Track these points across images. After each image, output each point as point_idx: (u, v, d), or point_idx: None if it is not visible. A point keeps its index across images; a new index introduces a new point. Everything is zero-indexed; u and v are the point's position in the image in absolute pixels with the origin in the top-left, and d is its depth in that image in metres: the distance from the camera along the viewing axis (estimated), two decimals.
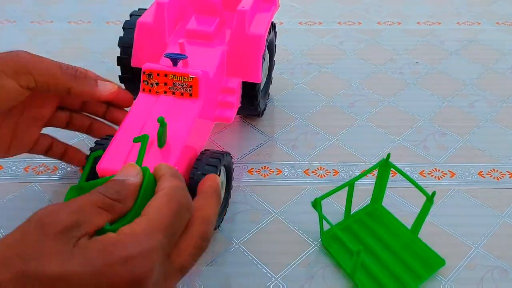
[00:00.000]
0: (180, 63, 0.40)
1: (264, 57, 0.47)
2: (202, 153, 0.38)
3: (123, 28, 0.47)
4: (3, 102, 0.35)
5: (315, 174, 0.47)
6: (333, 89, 0.59)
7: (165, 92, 0.39)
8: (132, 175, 0.28)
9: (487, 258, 0.39)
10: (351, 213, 0.42)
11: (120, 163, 0.33)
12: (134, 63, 0.46)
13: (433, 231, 0.42)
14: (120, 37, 0.47)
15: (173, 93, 0.39)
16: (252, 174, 0.47)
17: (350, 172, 0.48)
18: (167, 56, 0.39)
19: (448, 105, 0.57)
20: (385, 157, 0.40)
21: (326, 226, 0.41)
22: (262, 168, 0.48)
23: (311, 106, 0.56)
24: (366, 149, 0.50)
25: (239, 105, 0.47)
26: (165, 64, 0.40)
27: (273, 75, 0.55)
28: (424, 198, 0.38)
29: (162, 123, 0.34)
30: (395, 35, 0.71)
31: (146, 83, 0.39)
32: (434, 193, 0.37)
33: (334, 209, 0.44)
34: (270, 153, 0.50)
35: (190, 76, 0.38)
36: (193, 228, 0.28)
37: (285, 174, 0.47)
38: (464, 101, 0.57)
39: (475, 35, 0.71)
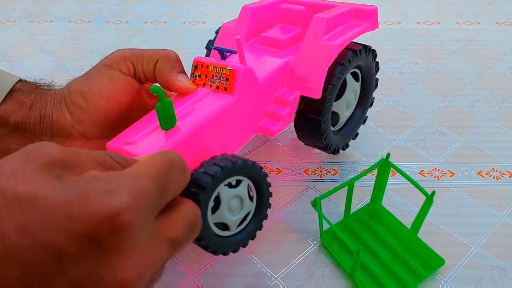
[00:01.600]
0: (229, 57, 0.38)
1: (351, 89, 0.44)
2: (222, 155, 0.34)
3: (216, 32, 0.47)
4: (111, 92, 0.36)
5: (314, 174, 0.47)
6: None
7: (204, 85, 0.37)
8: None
9: (487, 258, 0.39)
10: (350, 213, 0.42)
11: (135, 143, 0.32)
12: None
13: (432, 231, 0.42)
14: (209, 40, 0.48)
15: (210, 85, 0.37)
16: None
17: (350, 172, 0.48)
18: (215, 48, 0.38)
19: (448, 105, 0.57)
20: (384, 157, 0.40)
21: (325, 226, 0.41)
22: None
23: None
24: (366, 148, 0.50)
25: (291, 122, 0.42)
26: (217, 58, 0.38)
27: None
28: (423, 198, 0.38)
29: (160, 94, 0.31)
30: (395, 35, 0.71)
31: (192, 75, 0.38)
32: (433, 193, 0.37)
33: (334, 208, 0.44)
34: (270, 152, 0.50)
35: (228, 68, 0.36)
36: (184, 205, 0.26)
37: (285, 173, 0.48)
38: (464, 101, 0.57)
39: (475, 35, 0.71)
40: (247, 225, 0.36)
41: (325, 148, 0.44)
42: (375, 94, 0.58)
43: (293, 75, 0.41)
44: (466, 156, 0.49)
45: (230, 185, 0.34)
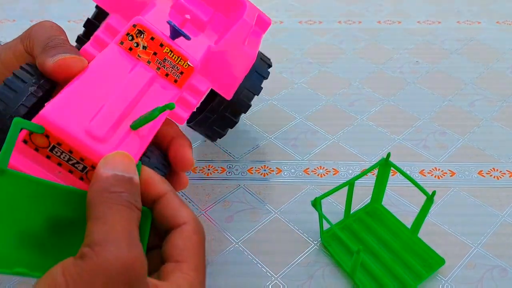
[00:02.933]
0: (178, 40, 0.34)
1: None
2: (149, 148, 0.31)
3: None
4: (12, 63, 0.32)
5: (315, 173, 0.47)
6: (333, 88, 0.59)
7: (149, 62, 0.32)
8: (133, 172, 0.24)
9: (487, 258, 0.39)
10: (351, 213, 0.42)
11: (74, 120, 0.26)
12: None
13: (433, 231, 0.42)
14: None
15: (158, 68, 0.32)
16: (252, 173, 0.47)
17: (350, 171, 0.48)
18: (170, 24, 0.32)
19: (448, 104, 0.57)
20: (385, 156, 0.40)
21: (326, 226, 0.41)
22: (262, 167, 0.48)
23: (311, 105, 0.56)
24: (366, 148, 0.50)
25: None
26: (158, 27, 0.33)
27: (273, 74, 0.55)
28: (424, 197, 0.38)
29: (166, 108, 0.27)
30: (395, 34, 0.71)
31: (130, 38, 0.31)
32: (434, 193, 0.37)
33: (334, 208, 0.44)
34: (270, 152, 0.50)
35: (188, 62, 0.33)
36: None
37: (285, 173, 0.47)
38: (464, 100, 0.57)
39: (475, 34, 0.70)
40: None
41: (215, 139, 0.47)
42: (375, 93, 0.58)
43: (209, 65, 0.38)
44: (467, 156, 0.49)
45: None
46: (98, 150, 0.26)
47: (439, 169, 0.48)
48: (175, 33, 0.32)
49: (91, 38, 0.34)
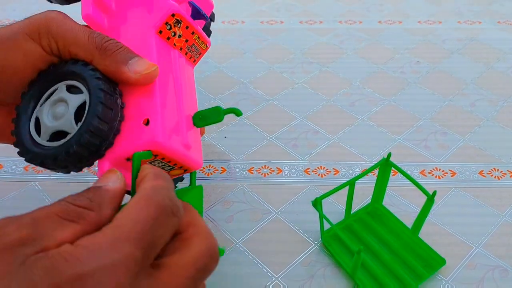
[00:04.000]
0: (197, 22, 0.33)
1: None
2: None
3: None
4: (24, 71, 0.29)
5: (315, 173, 0.47)
6: (334, 88, 0.59)
7: (181, 49, 0.32)
8: (111, 181, 0.24)
9: (488, 258, 0.39)
10: (351, 213, 0.42)
11: (173, 136, 0.27)
12: None
13: (433, 231, 0.42)
14: None
15: (186, 53, 0.33)
16: (253, 173, 0.47)
17: (351, 171, 0.48)
18: (193, 4, 0.32)
19: (449, 104, 0.57)
20: (385, 156, 0.40)
21: (326, 226, 0.41)
22: (262, 167, 0.48)
23: (312, 105, 0.56)
24: (366, 148, 0.50)
25: None
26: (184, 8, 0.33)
27: (274, 74, 0.55)
28: (424, 198, 0.38)
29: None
30: (396, 34, 0.71)
31: (169, 27, 0.30)
32: (434, 193, 0.37)
33: (335, 208, 0.44)
34: (270, 152, 0.50)
35: (207, 44, 0.34)
36: (193, 244, 0.23)
37: (286, 173, 0.47)
38: (465, 100, 0.57)
39: (476, 34, 0.70)
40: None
41: None
42: (375, 93, 0.58)
43: None
44: (467, 156, 0.49)
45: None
46: (190, 156, 0.29)
47: (439, 169, 0.48)
48: (197, 14, 0.32)
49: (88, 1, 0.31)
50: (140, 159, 0.25)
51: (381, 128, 0.53)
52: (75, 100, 0.27)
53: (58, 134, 0.27)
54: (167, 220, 0.22)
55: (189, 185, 0.31)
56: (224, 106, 0.56)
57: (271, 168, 0.48)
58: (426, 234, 0.40)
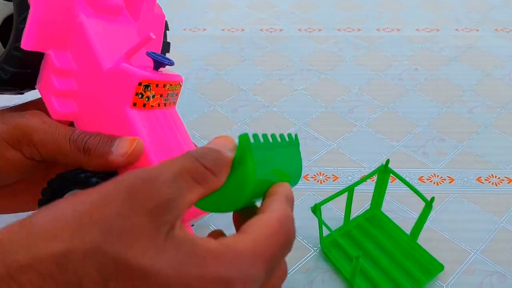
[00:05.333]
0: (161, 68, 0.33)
1: None
2: None
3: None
4: (8, 175, 0.29)
5: (314, 180, 0.48)
6: (333, 95, 0.60)
7: (159, 105, 0.32)
8: (228, 148, 0.23)
9: (486, 264, 0.40)
10: (350, 219, 0.43)
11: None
12: (28, 43, 0.30)
13: (432, 237, 0.42)
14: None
15: (165, 104, 0.32)
16: None
17: (350, 178, 0.48)
18: (152, 56, 0.31)
19: (447, 111, 0.57)
20: (384, 163, 0.40)
21: (325, 232, 0.41)
22: None
23: (311, 112, 0.57)
24: (365, 154, 0.50)
25: None
26: (141, 63, 0.32)
27: (273, 81, 0.55)
28: (423, 204, 0.38)
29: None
30: (394, 42, 0.71)
31: (140, 96, 0.30)
32: (433, 199, 0.37)
33: (334, 214, 0.44)
34: None
35: (180, 83, 0.33)
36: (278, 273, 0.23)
37: None
38: (463, 107, 0.58)
39: (474, 42, 0.71)
40: None
41: None
42: (374, 100, 0.59)
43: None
44: (465, 162, 0.50)
45: None
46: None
47: (438, 176, 0.48)
48: (160, 64, 0.31)
49: (49, 94, 0.30)
50: (247, 139, 0.23)
51: (380, 134, 0.53)
52: None
53: None
54: (287, 252, 0.23)
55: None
56: (224, 112, 0.56)
57: None
58: (424, 240, 0.41)
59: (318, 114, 0.56)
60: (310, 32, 0.74)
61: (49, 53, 0.30)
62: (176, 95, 0.33)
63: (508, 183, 0.47)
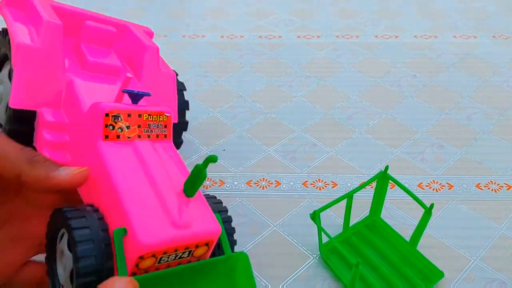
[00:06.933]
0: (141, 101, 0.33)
1: None
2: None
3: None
4: None
5: (313, 186, 0.48)
6: (331, 102, 0.60)
7: (139, 136, 0.31)
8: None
9: (486, 270, 0.39)
10: (350, 226, 0.42)
11: (160, 227, 0.26)
12: (16, 103, 0.31)
13: (431, 243, 0.42)
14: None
15: (149, 136, 0.31)
16: (251, 186, 0.47)
17: (349, 184, 0.48)
18: (127, 92, 0.31)
19: (445, 118, 0.57)
20: (383, 169, 0.40)
21: (325, 239, 0.41)
22: (260, 180, 0.48)
23: (310, 119, 0.57)
24: (364, 161, 0.50)
25: None
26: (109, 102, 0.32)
27: (272, 88, 0.55)
28: (422, 210, 0.38)
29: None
30: (393, 49, 0.71)
31: (111, 128, 0.29)
32: (432, 205, 0.37)
33: (333, 221, 0.44)
34: (268, 165, 0.50)
35: (166, 114, 0.32)
36: None
37: (284, 186, 0.48)
38: (462, 113, 0.58)
39: (472, 49, 0.71)
40: None
41: None
42: (373, 106, 0.59)
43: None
44: (465, 169, 0.50)
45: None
46: (195, 232, 0.27)
47: (437, 182, 0.48)
48: (136, 96, 0.31)
49: (42, 146, 0.31)
50: (120, 235, 0.24)
51: (379, 141, 0.53)
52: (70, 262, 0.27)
53: None
54: None
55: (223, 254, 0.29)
56: (223, 119, 0.56)
57: (269, 181, 0.48)
58: (424, 247, 0.40)
59: (316, 120, 0.56)
60: (308, 39, 0.74)
61: (40, 111, 0.31)
62: (165, 126, 0.32)
63: (508, 189, 0.47)
